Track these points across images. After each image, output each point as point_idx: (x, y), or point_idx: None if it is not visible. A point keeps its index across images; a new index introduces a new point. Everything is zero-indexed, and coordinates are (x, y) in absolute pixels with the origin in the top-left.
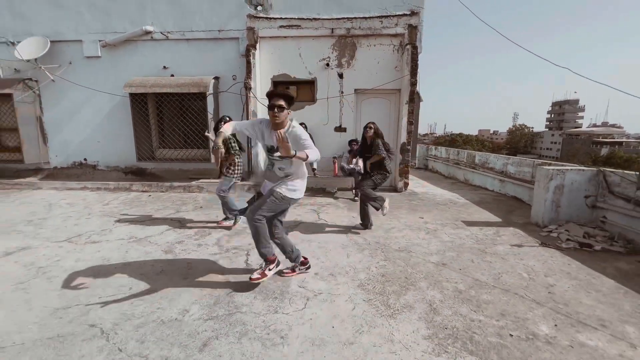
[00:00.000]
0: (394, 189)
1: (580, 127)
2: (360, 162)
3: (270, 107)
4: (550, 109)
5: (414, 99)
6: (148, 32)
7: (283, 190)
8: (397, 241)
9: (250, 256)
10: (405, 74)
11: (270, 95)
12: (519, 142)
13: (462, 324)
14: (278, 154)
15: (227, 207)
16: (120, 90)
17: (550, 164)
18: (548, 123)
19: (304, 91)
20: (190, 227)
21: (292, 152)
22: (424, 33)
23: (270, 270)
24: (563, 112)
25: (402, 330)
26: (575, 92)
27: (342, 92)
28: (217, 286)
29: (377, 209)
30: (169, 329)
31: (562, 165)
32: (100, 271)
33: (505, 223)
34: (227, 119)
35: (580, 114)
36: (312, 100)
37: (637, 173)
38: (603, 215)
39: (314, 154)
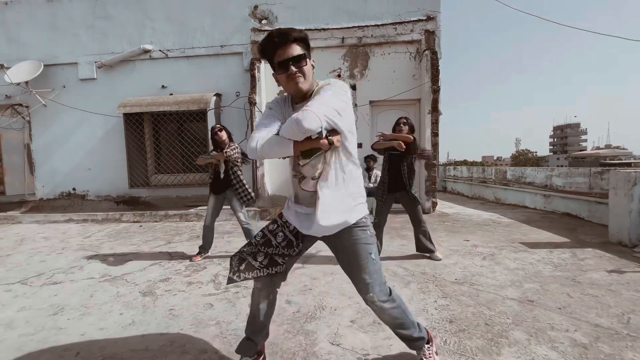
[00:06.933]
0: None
1: (585, 150)
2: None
3: (282, 66)
4: (552, 133)
5: (437, 107)
6: (147, 51)
7: (362, 214)
8: (449, 270)
9: None
10: (426, 81)
11: (272, 44)
12: (524, 166)
13: None
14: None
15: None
16: (115, 112)
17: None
18: (552, 147)
19: None
20: (182, 261)
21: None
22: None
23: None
24: (566, 135)
25: None
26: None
27: (355, 105)
28: (210, 352)
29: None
30: None
31: None
32: (43, 334)
33: (577, 243)
34: (218, 128)
35: (583, 136)
36: None
37: None
38: None
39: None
